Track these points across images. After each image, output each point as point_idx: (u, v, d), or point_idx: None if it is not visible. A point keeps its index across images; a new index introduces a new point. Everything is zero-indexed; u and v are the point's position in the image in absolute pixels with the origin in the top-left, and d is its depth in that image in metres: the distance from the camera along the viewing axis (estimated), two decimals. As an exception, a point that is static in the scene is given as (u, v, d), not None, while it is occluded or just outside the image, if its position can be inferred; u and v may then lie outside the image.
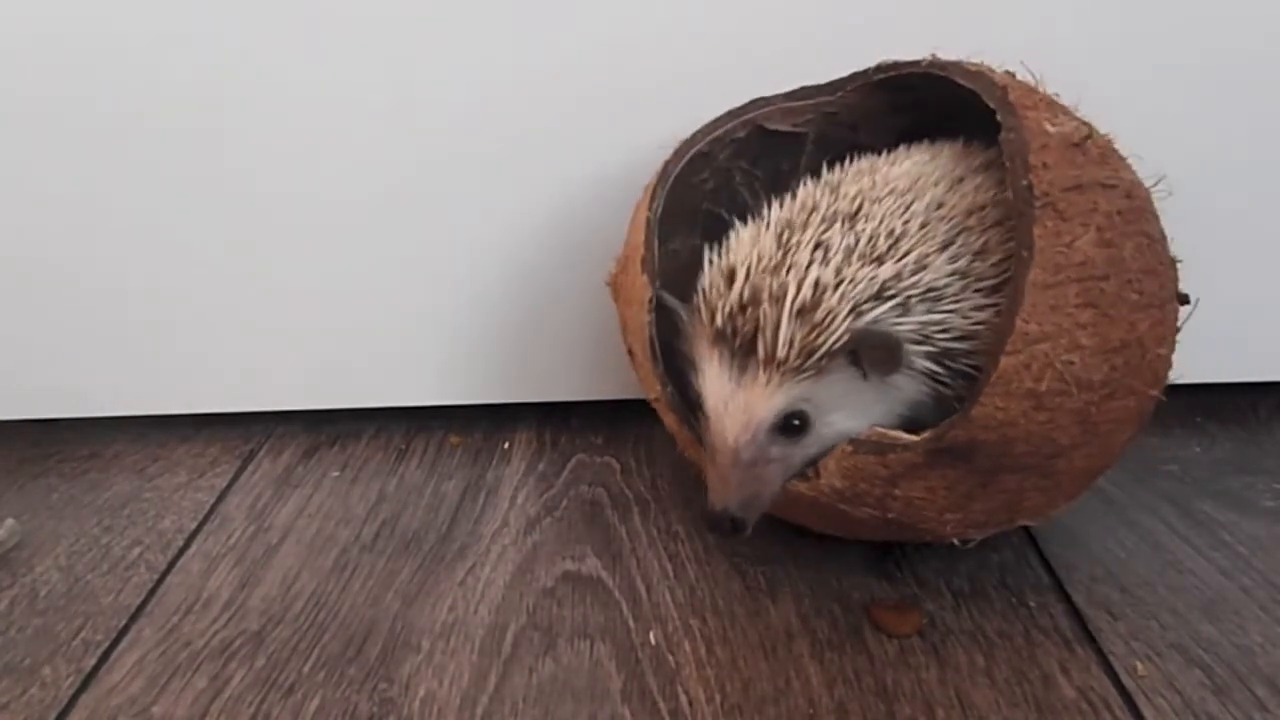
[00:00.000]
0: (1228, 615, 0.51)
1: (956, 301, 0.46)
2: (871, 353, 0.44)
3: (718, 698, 0.47)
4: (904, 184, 0.49)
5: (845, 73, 0.57)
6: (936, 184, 0.50)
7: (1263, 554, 0.55)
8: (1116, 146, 0.49)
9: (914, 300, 0.45)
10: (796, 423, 0.46)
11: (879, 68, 0.55)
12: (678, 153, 0.56)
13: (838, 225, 0.47)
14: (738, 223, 0.51)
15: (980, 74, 0.48)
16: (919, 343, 0.45)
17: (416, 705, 0.48)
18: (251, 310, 0.68)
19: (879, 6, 0.59)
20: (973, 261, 0.46)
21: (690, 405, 0.51)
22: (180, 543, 0.61)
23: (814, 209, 0.48)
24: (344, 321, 0.69)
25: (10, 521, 0.62)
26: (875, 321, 0.44)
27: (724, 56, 0.60)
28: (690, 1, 0.59)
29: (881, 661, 0.49)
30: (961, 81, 0.49)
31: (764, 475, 0.46)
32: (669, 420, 0.54)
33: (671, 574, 0.56)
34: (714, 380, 0.47)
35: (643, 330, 0.52)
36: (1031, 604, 0.52)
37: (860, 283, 0.44)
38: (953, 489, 0.46)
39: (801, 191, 0.51)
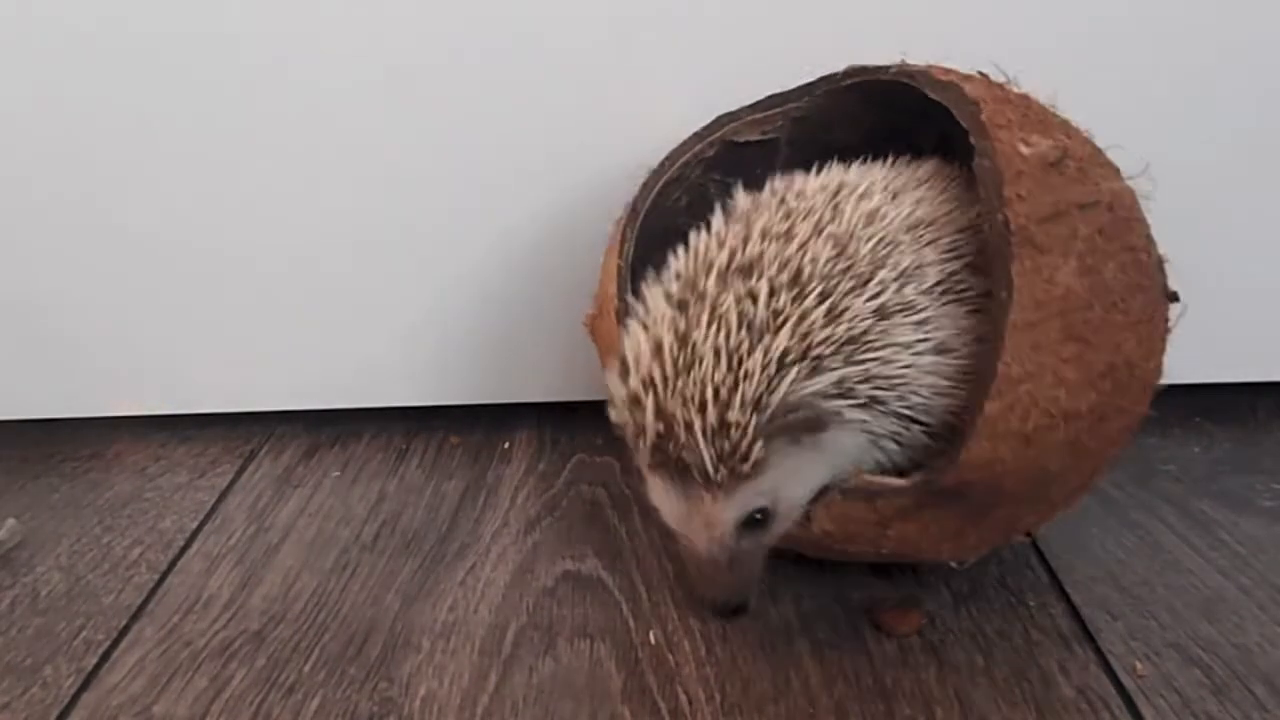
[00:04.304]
0: (1226, 615, 0.51)
1: (881, 347, 0.43)
2: (794, 425, 0.41)
3: (717, 697, 0.47)
4: (822, 201, 0.46)
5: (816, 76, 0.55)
6: (866, 197, 0.47)
7: (1261, 554, 0.55)
8: (1097, 145, 0.47)
9: (825, 357, 0.42)
10: (759, 517, 0.43)
11: (848, 72, 0.53)
12: (646, 185, 0.55)
13: (732, 289, 0.43)
14: (632, 323, 0.46)
15: (951, 86, 0.46)
16: (839, 396, 0.42)
17: (417, 705, 0.48)
18: (252, 311, 0.69)
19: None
20: (903, 288, 0.44)
21: None
22: (181, 542, 0.61)
23: (710, 265, 0.45)
24: (344, 321, 0.69)
25: (11, 521, 0.63)
26: (784, 397, 0.41)
27: (717, 46, 0.60)
28: None
29: (881, 661, 0.49)
30: (932, 95, 0.47)
31: (745, 562, 0.45)
32: None
33: (671, 574, 0.56)
34: (664, 500, 0.44)
35: None
36: (1031, 604, 0.52)
37: (756, 372, 0.41)
38: (945, 525, 0.46)
39: (702, 239, 0.47)
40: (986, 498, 0.44)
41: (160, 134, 0.63)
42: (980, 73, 0.49)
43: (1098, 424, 0.43)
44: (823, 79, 0.55)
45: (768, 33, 0.60)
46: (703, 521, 0.43)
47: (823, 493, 0.45)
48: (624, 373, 0.44)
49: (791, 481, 0.44)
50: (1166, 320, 0.47)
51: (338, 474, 0.68)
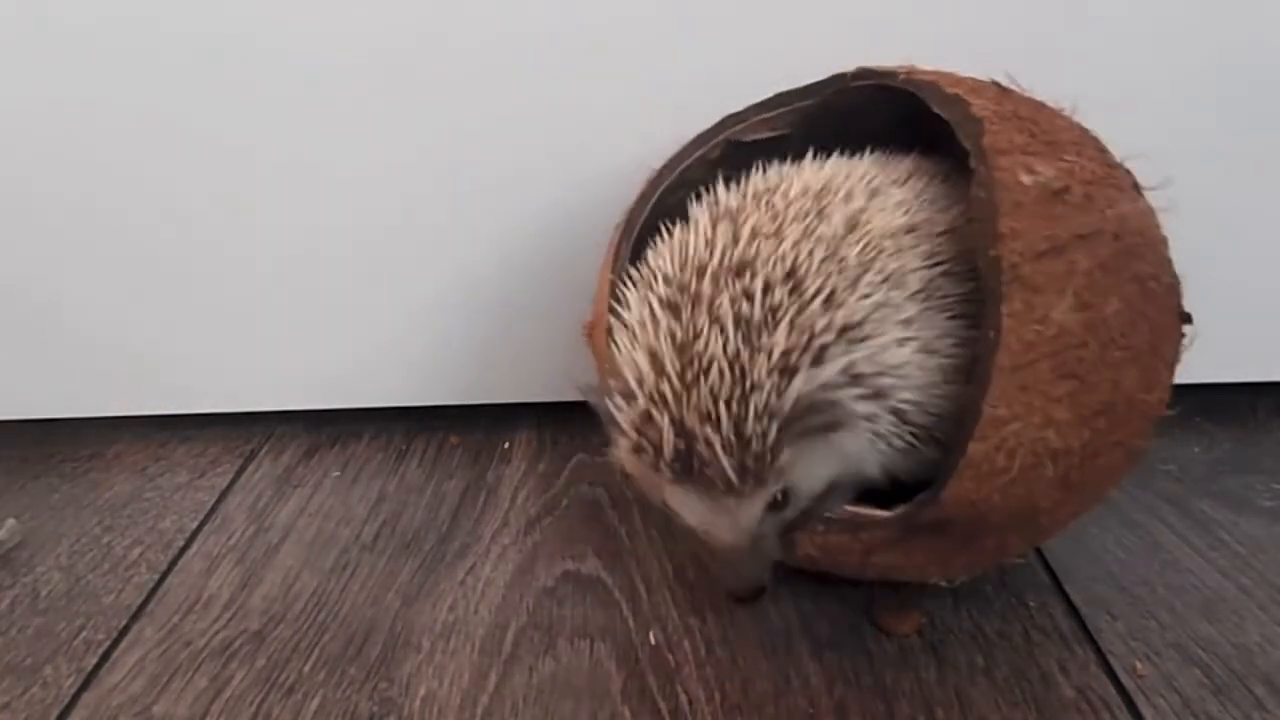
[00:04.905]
0: (1226, 615, 0.51)
1: (878, 335, 0.43)
2: (810, 429, 0.41)
3: (717, 697, 0.47)
4: (808, 204, 0.46)
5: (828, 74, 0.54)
6: (849, 199, 0.46)
7: (1261, 554, 0.55)
8: (1112, 160, 0.45)
9: (829, 345, 0.41)
10: (780, 498, 0.44)
11: (857, 74, 0.52)
12: (643, 196, 0.54)
13: (727, 290, 0.43)
14: (622, 336, 0.46)
15: (957, 101, 0.44)
16: (848, 384, 0.42)
17: (417, 705, 0.48)
18: (252, 311, 0.69)
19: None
20: (890, 291, 0.43)
21: None
22: (181, 542, 0.61)
23: (703, 267, 0.44)
24: (344, 321, 0.69)
25: (11, 521, 0.63)
26: (796, 400, 0.41)
27: (720, 51, 0.60)
28: None
29: (881, 661, 0.49)
30: (937, 110, 0.45)
31: (765, 547, 0.45)
32: None
33: (671, 574, 0.56)
34: (687, 508, 0.44)
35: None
36: (1031, 603, 0.52)
37: (764, 380, 0.41)
38: (929, 553, 0.45)
39: (690, 238, 0.47)
40: (970, 530, 0.44)
41: (160, 134, 0.63)
42: (994, 81, 0.47)
43: (1090, 459, 0.42)
44: (832, 78, 0.54)
45: (775, 31, 0.59)
46: (728, 522, 0.44)
47: (806, 523, 0.45)
48: (628, 393, 0.43)
49: (809, 475, 0.44)
50: (1178, 345, 0.45)
51: (338, 474, 0.68)
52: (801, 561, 0.48)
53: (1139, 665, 0.48)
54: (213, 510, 0.65)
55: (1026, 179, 0.41)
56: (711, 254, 0.45)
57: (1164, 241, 0.46)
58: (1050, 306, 0.40)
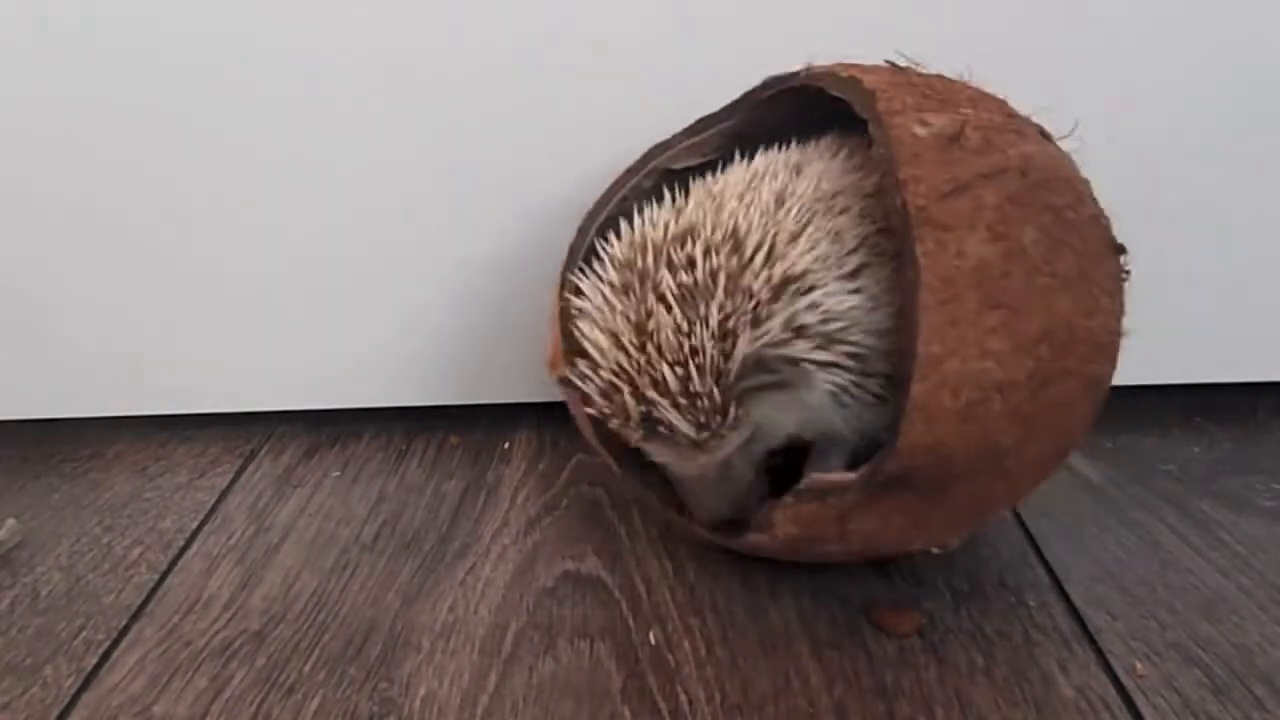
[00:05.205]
0: (1226, 615, 0.51)
1: (822, 284, 0.44)
2: (757, 386, 0.45)
3: (717, 697, 0.47)
4: (742, 188, 0.49)
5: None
6: (774, 177, 0.49)
7: (1261, 553, 0.55)
8: (1013, 111, 0.47)
9: (765, 303, 0.44)
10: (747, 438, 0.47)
11: (766, 84, 0.54)
12: (582, 230, 0.56)
13: (671, 259, 0.46)
14: (583, 322, 0.49)
15: (851, 81, 0.46)
16: (795, 338, 0.44)
17: (417, 705, 0.48)
18: (252, 311, 0.69)
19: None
20: (829, 245, 0.45)
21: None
22: (181, 542, 0.61)
23: (646, 243, 0.47)
24: (344, 321, 0.69)
25: (11, 521, 0.63)
26: (741, 360, 0.44)
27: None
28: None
29: (881, 661, 0.49)
30: (835, 94, 0.47)
31: (736, 475, 0.49)
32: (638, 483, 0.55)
33: (671, 574, 0.56)
34: (654, 451, 0.49)
35: (586, 424, 0.53)
36: (1030, 603, 0.52)
37: (706, 344, 0.44)
38: (905, 511, 0.45)
39: (636, 225, 0.50)
40: (937, 480, 0.44)
41: (160, 134, 0.63)
42: (888, 61, 0.49)
43: (1040, 390, 0.42)
44: (744, 96, 0.55)
45: (775, 31, 0.59)
46: (697, 463, 0.48)
47: (778, 500, 0.47)
48: (594, 367, 0.48)
49: (770, 419, 0.47)
50: (1117, 276, 0.46)
51: (338, 474, 0.68)
52: (784, 545, 0.48)
53: (1139, 665, 0.48)
54: (213, 510, 0.65)
55: (921, 130, 0.43)
56: (657, 231, 0.48)
57: (1082, 181, 0.47)
58: (963, 241, 0.41)
